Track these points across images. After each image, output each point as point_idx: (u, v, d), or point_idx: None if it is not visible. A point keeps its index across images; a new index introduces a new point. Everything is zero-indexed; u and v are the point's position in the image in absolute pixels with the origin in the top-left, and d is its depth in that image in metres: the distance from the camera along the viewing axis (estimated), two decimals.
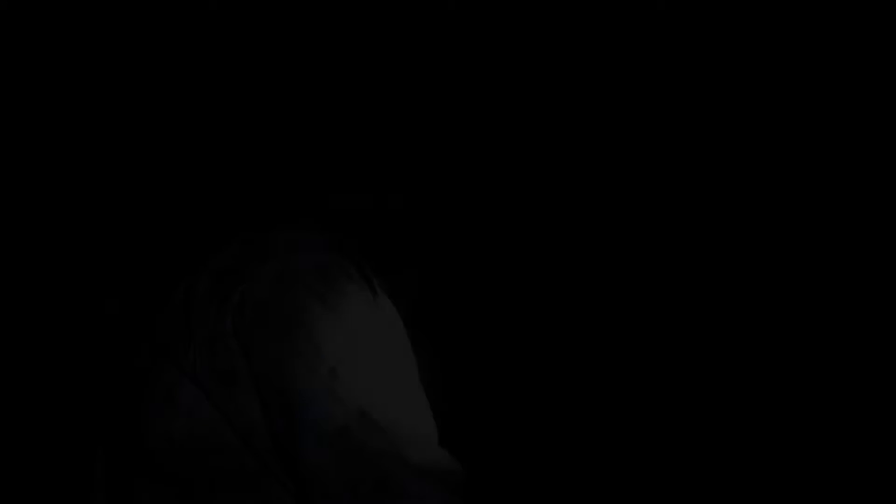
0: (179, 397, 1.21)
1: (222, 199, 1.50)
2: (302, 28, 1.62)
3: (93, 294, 1.80)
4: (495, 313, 2.03)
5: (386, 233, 1.45)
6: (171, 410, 1.22)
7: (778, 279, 2.00)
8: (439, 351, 1.45)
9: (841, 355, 1.96)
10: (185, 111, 1.71)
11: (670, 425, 2.01)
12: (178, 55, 1.80)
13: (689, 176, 2.03)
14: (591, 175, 2.03)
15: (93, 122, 1.85)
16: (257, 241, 1.28)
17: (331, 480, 1.15)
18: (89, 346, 1.77)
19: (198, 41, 1.78)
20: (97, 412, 1.41)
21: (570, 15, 1.96)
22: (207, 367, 1.20)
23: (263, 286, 1.20)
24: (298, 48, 1.57)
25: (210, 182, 1.54)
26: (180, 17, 1.82)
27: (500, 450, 1.95)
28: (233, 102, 1.58)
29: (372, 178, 1.46)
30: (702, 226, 2.03)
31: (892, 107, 1.92)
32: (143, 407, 1.26)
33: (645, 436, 2.01)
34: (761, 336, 2.00)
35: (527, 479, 1.97)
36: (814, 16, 1.92)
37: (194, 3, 1.80)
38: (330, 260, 1.23)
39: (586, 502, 1.98)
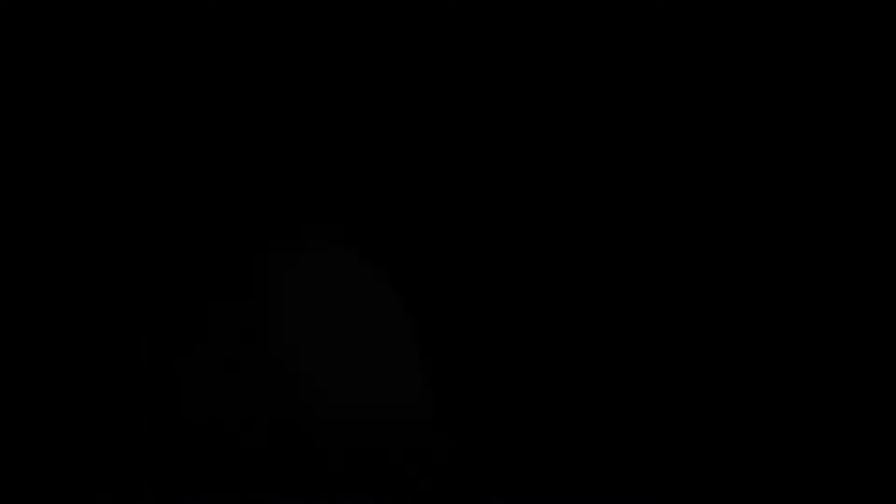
0: (184, 389, 1.22)
1: (226, 198, 1.50)
2: (303, 27, 1.62)
3: (97, 291, 1.80)
4: (496, 307, 2.03)
5: (386, 230, 1.46)
6: (175, 402, 1.22)
7: (778, 279, 2.00)
8: (440, 344, 1.45)
9: (841, 355, 1.96)
10: (187, 110, 1.71)
11: (671, 419, 2.01)
12: (179, 54, 1.80)
13: (689, 176, 2.03)
14: (591, 173, 2.03)
15: (96, 121, 1.85)
16: (263, 238, 1.28)
17: (331, 468, 1.15)
18: (91, 343, 1.77)
19: (198, 40, 1.79)
20: (99, 408, 1.41)
21: (570, 14, 1.96)
22: (213, 359, 1.20)
23: (270, 280, 1.21)
24: (300, 47, 1.57)
25: (214, 181, 1.55)
26: (180, 15, 1.82)
27: (498, 441, 1.95)
28: (235, 101, 1.58)
29: (372, 178, 1.46)
30: (702, 226, 2.03)
31: (892, 107, 1.92)
32: (147, 400, 1.26)
33: (645, 432, 2.01)
34: (762, 336, 2.00)
35: (524, 466, 1.97)
36: (814, 16, 1.93)
37: (194, 2, 1.81)
38: (336, 255, 1.24)
39: (585, 492, 1.98)
